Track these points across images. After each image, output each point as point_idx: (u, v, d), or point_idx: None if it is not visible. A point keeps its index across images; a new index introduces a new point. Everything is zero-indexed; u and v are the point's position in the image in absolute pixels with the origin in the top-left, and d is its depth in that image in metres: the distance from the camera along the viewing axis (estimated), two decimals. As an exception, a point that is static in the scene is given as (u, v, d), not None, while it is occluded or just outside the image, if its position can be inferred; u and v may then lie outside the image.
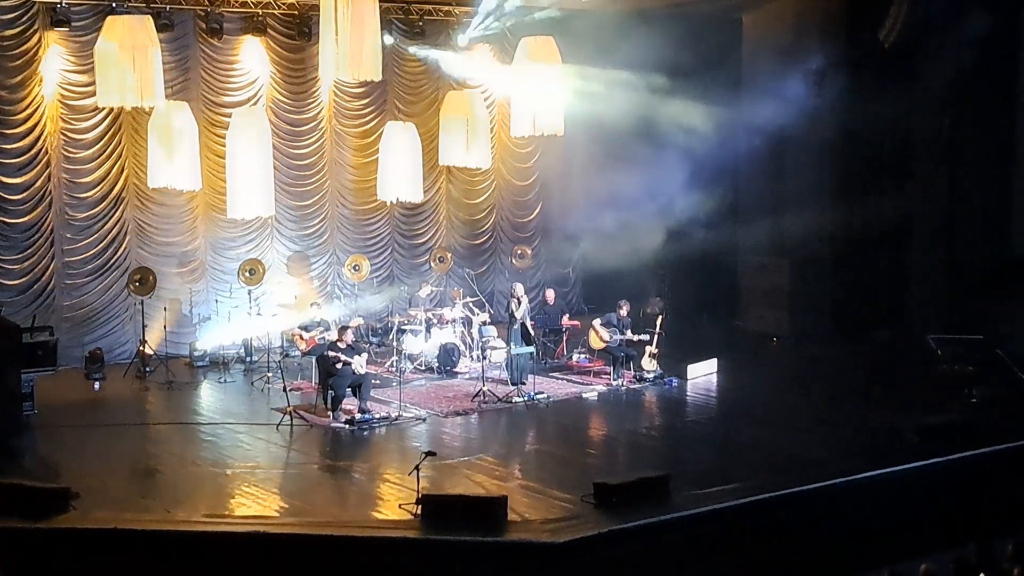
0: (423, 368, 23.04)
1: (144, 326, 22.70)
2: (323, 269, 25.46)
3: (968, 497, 16.49)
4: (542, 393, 21.08)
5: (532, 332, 21.92)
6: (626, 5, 24.50)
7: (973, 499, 16.45)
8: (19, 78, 22.09)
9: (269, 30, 24.15)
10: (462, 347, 23.22)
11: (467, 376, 22.51)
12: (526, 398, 20.71)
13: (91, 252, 23.11)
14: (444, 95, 25.69)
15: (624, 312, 22.41)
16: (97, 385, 21.72)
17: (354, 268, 25.11)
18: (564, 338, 24.16)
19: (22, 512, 14.23)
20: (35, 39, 22.14)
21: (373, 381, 20.26)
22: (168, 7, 22.64)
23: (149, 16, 21.57)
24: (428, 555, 13.91)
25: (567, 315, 24.59)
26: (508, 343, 22.01)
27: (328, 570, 13.94)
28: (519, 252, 27.21)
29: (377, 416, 19.24)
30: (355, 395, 19.45)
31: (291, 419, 18.99)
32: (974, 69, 23.16)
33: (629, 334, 22.23)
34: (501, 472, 16.69)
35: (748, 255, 26.20)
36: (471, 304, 24.04)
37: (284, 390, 19.75)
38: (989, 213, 23.70)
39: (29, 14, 21.99)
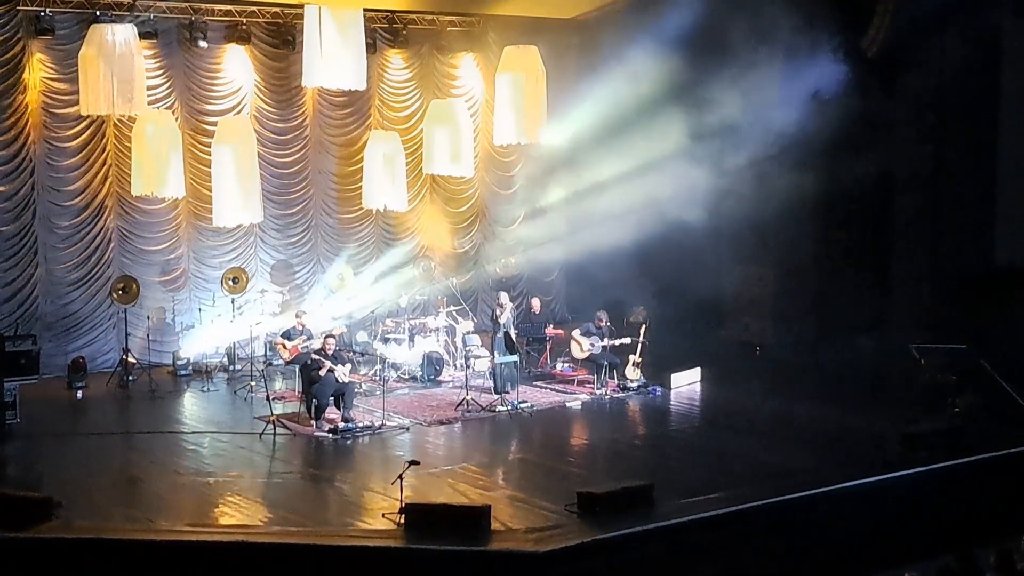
0: (406, 377, 23.03)
1: (127, 335, 22.66)
2: (307, 278, 25.46)
3: (951, 506, 16.53)
4: (525, 402, 21.09)
5: (516, 341, 21.91)
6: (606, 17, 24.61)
7: (956, 508, 16.49)
8: (2, 86, 22.04)
9: (253, 39, 24.18)
10: (446, 356, 23.21)
11: (451, 385, 22.52)
12: (510, 407, 20.72)
13: (74, 260, 23.08)
14: (428, 104, 25.70)
15: (602, 323, 22.43)
16: (80, 394, 21.67)
17: (338, 277, 25.10)
18: (548, 347, 24.16)
19: (4, 521, 14.18)
20: (19, 47, 22.11)
21: (356, 390, 20.29)
22: (152, 15, 22.62)
23: (133, 25, 21.58)
24: (411, 564, 13.91)
25: (551, 324, 24.58)
26: (492, 352, 22.03)
27: (311, 580, 13.97)
28: (503, 260, 27.21)
29: (360, 425, 19.23)
30: (338, 404, 19.43)
31: (274, 428, 18.95)
32: (958, 76, 23.21)
33: (608, 341, 22.23)
34: (485, 481, 16.68)
35: (732, 264, 26.19)
36: (455, 313, 24.04)
37: (267, 399, 19.72)
38: (973, 222, 23.72)
39: (13, 22, 21.96)
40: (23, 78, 22.25)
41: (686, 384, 22.69)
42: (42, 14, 21.85)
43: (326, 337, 20.10)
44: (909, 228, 24.61)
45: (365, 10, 23.12)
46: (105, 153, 23.21)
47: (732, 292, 26.60)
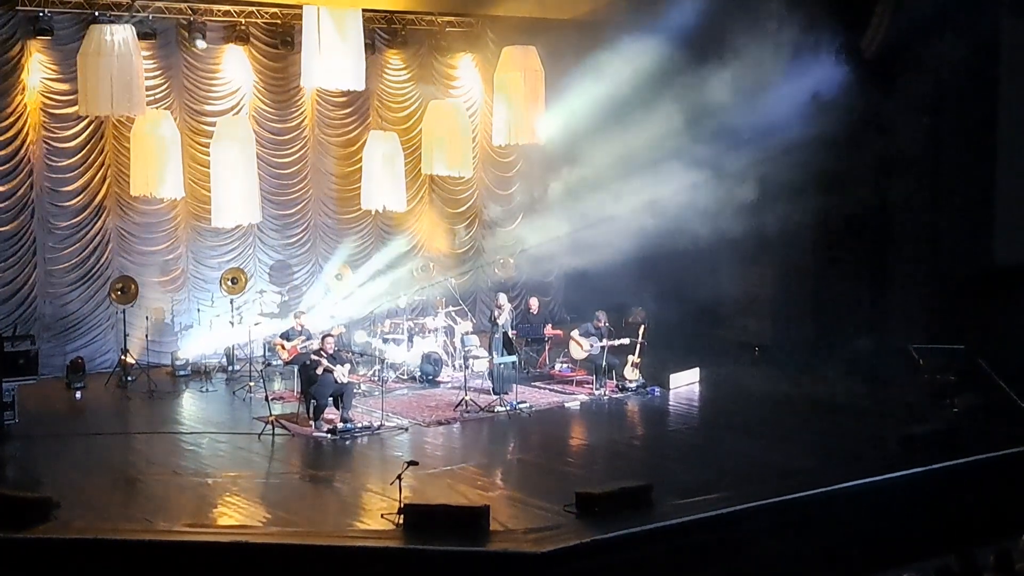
0: (405, 377, 23.02)
1: (126, 335, 22.64)
2: (305, 279, 25.45)
3: (950, 506, 16.53)
4: (524, 402, 21.10)
5: (514, 341, 21.90)
6: (602, 16, 24.59)
7: (954, 508, 16.50)
8: (1, 87, 22.06)
9: (252, 39, 24.16)
10: (444, 356, 23.20)
11: (449, 385, 22.52)
12: (508, 407, 20.71)
13: (73, 261, 23.07)
14: (426, 104, 25.67)
15: (602, 323, 22.40)
16: (78, 394, 21.68)
17: (337, 277, 25.09)
18: (546, 347, 24.14)
19: (2, 522, 14.18)
20: (17, 48, 22.11)
21: (355, 390, 20.29)
22: (151, 16, 22.60)
23: (131, 25, 21.55)
24: (410, 565, 13.91)
25: (550, 324, 24.57)
26: (490, 352, 22.03)
27: (310, 580, 13.97)
28: (501, 261, 27.20)
29: (359, 425, 19.22)
30: (337, 404, 19.42)
31: (273, 428, 18.95)
32: (956, 77, 23.22)
33: (607, 341, 22.21)
34: (483, 482, 16.69)
35: (731, 265, 26.18)
36: (453, 313, 24.04)
37: (266, 399, 19.71)
38: (972, 223, 23.72)
39: (11, 23, 21.96)
40: (22, 78, 22.27)
41: (685, 385, 22.69)
42: (41, 14, 21.83)
43: (324, 336, 20.09)
44: (907, 229, 24.62)
45: (364, 10, 23.10)
46: (104, 153, 23.20)
47: (731, 293, 26.59)
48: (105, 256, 23.36)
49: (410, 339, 23.21)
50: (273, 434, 18.87)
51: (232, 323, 23.37)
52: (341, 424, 19.13)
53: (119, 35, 21.07)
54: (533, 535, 14.16)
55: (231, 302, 23.65)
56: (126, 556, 13.96)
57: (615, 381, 22.39)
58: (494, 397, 21.04)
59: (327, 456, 18.38)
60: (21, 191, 22.44)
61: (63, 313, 23.05)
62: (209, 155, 23.32)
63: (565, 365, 23.41)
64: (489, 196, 27.65)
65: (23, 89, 22.30)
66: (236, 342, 23.57)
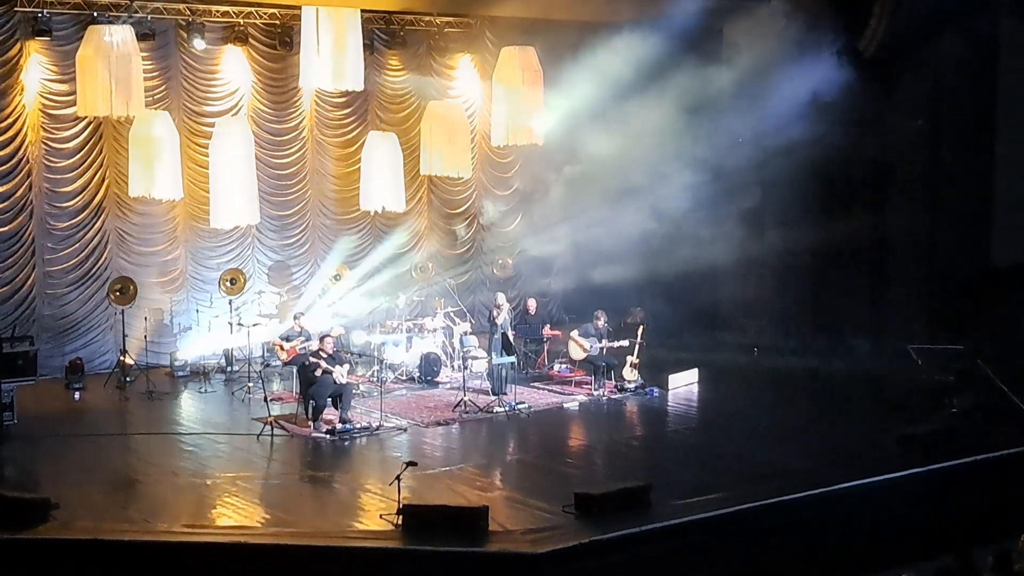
0: (404, 378, 23.01)
1: (124, 336, 22.60)
2: (304, 280, 25.43)
3: (948, 507, 16.51)
4: (523, 403, 21.08)
5: (513, 342, 21.88)
6: (602, 17, 24.56)
7: (953, 509, 16.48)
8: (0, 87, 22.03)
9: (251, 40, 24.14)
10: (443, 357, 23.19)
11: (448, 386, 22.51)
12: (507, 408, 20.70)
13: (72, 261, 23.06)
14: (425, 105, 25.64)
15: (601, 323, 22.40)
16: (77, 395, 21.66)
17: (335, 278, 25.07)
18: (545, 348, 24.13)
19: (2, 522, 14.16)
20: (16, 48, 22.09)
21: (354, 391, 20.28)
22: (150, 16, 22.58)
23: (130, 25, 21.53)
24: (409, 565, 13.90)
25: (548, 325, 24.56)
26: (489, 353, 22.01)
27: (309, 581, 13.96)
28: (500, 262, 27.21)
29: (358, 426, 19.21)
30: (336, 405, 19.41)
31: (272, 429, 18.94)
32: (955, 79, 23.23)
33: (606, 342, 22.21)
34: (482, 482, 16.68)
35: (730, 265, 26.18)
36: (452, 314, 24.03)
37: (265, 400, 19.69)
38: (969, 224, 23.74)
39: (10, 23, 21.94)
40: (20, 79, 22.25)
41: (683, 385, 22.66)
42: (40, 15, 21.78)
43: (323, 337, 20.06)
44: (906, 229, 24.63)
45: (362, 11, 23.08)
46: (102, 154, 23.18)
47: (730, 293, 26.61)
48: (104, 257, 23.35)
49: (409, 339, 23.20)
50: (272, 435, 18.86)
51: (231, 324, 23.34)
52: (340, 425, 19.12)
53: (118, 36, 21.04)
54: (532, 536, 14.14)
55: (230, 303, 23.65)
56: (126, 556, 13.94)
57: (614, 382, 22.39)
58: (493, 398, 21.03)
59: (326, 457, 18.37)
60: (20, 192, 22.43)
61: (62, 314, 23.05)
62: (208, 156, 23.32)
63: (564, 366, 23.40)
64: (488, 196, 27.61)
65: (22, 90, 22.29)
66: (235, 344, 23.53)
